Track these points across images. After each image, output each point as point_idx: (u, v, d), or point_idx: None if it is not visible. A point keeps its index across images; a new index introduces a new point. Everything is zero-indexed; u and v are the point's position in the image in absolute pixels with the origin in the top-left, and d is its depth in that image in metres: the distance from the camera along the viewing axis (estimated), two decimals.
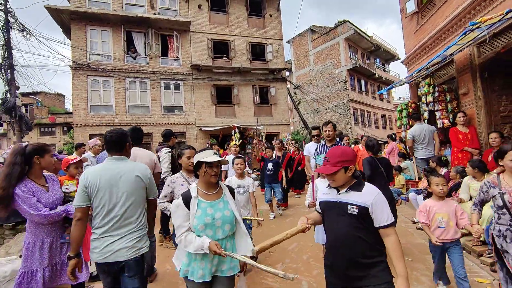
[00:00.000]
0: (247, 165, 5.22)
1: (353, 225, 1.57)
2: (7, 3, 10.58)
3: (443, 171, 5.00)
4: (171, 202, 2.54)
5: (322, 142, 4.44)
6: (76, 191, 2.86)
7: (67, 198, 2.54)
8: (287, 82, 15.87)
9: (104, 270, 2.04)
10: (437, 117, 5.69)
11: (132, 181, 2.04)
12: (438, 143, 5.75)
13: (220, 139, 13.44)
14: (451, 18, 5.33)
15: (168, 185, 2.61)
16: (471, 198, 4.00)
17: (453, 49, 4.79)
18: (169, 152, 4.27)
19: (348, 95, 22.31)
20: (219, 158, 1.84)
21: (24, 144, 2.29)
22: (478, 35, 4.10)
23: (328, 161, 1.66)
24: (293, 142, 9.82)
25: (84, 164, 3.75)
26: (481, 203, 2.47)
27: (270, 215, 5.78)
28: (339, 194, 1.66)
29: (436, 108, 5.66)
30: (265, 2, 15.18)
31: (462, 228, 2.60)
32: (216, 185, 1.92)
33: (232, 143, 6.39)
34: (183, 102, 13.36)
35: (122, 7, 12.63)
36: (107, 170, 2.03)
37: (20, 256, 3.07)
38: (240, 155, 4.61)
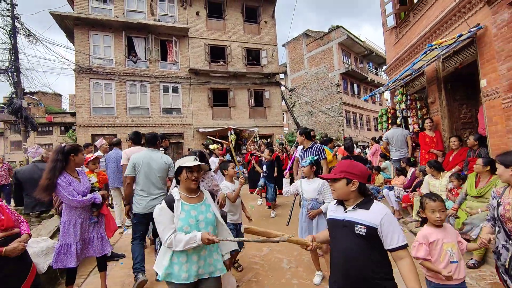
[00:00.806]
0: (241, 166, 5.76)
1: (361, 245, 1.49)
2: (14, 9, 11.13)
3: (411, 170, 5.72)
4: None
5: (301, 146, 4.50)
6: (96, 182, 3.54)
7: (92, 188, 3.18)
8: (281, 85, 16.53)
9: (143, 218, 3.26)
10: (409, 122, 6.41)
11: (160, 163, 3.30)
12: (411, 146, 6.46)
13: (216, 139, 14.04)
14: (421, 36, 6.06)
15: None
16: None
17: (420, 64, 5.50)
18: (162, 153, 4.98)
19: (341, 98, 23.08)
20: (199, 163, 1.93)
21: (63, 145, 2.92)
22: (437, 54, 4.81)
23: (334, 169, 1.67)
24: (276, 144, 10.37)
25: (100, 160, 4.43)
26: (493, 218, 2.19)
27: (271, 214, 6.17)
28: (346, 212, 1.60)
29: (408, 115, 6.38)
30: (261, 9, 15.87)
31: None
32: (197, 189, 1.99)
33: (216, 147, 6.48)
34: (181, 105, 13.99)
35: (124, 13, 13.22)
36: (146, 155, 3.32)
37: (51, 237, 3.70)
38: (229, 160, 4.96)
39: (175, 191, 1.93)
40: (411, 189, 5.29)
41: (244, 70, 15.10)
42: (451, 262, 1.94)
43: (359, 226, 1.50)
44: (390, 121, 7.52)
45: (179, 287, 1.79)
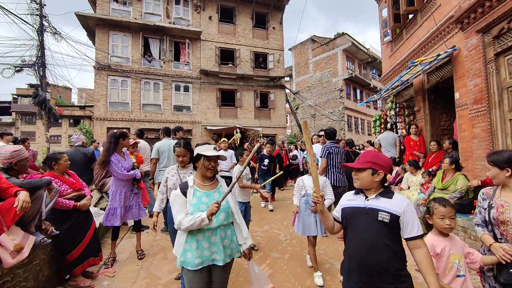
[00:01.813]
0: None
1: (382, 232, 1.51)
2: (43, 9, 12.08)
3: (396, 169, 6.52)
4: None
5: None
6: (135, 162, 4.40)
7: (133, 166, 4.03)
8: (286, 88, 17.35)
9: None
10: (398, 127, 7.22)
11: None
12: (399, 147, 7.25)
13: (222, 137, 14.91)
14: (411, 51, 6.87)
15: (168, 172, 2.95)
16: (409, 188, 5.48)
17: (407, 77, 6.32)
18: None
19: (343, 103, 23.83)
20: (218, 153, 1.96)
21: (114, 131, 3.78)
22: (420, 69, 5.63)
23: (359, 159, 1.69)
24: (278, 143, 11.17)
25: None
26: (485, 222, 2.01)
27: (269, 206, 6.46)
28: (368, 200, 1.62)
29: (397, 120, 7.19)
30: (269, 15, 16.73)
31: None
32: (212, 177, 2.01)
33: (221, 140, 7.20)
34: (191, 103, 14.87)
35: (141, 15, 14.14)
36: (165, 143, 4.70)
37: (94, 206, 4.57)
38: (244, 148, 5.92)
39: (190, 178, 1.97)
40: (394, 184, 6.10)
41: (252, 73, 15.95)
42: (458, 276, 1.77)
43: (383, 213, 1.52)
44: (382, 126, 8.32)
45: (193, 274, 1.81)
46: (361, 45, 26.35)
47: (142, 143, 5.54)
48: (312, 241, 3.23)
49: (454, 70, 5.40)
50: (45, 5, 12.12)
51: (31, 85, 40.44)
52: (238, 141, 13.49)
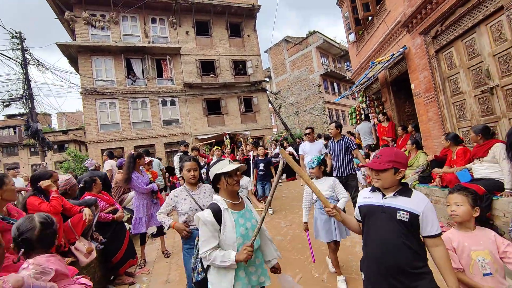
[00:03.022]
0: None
1: (401, 232, 1.48)
2: (23, 43, 12.42)
3: (372, 154, 7.46)
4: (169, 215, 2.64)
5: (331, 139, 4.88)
6: (151, 177, 5.06)
7: (150, 181, 4.73)
8: (267, 91, 18.23)
9: None
10: (370, 117, 8.20)
11: None
12: (375, 135, 8.24)
13: (213, 145, 15.58)
14: (372, 50, 7.86)
15: (171, 199, 2.56)
16: None
17: (372, 73, 7.29)
18: (179, 155, 6.68)
19: (323, 97, 24.99)
20: (237, 166, 1.76)
21: (131, 153, 4.47)
22: (381, 66, 6.59)
23: (379, 158, 1.61)
24: (268, 143, 12.00)
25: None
26: None
27: (269, 211, 6.26)
28: (386, 198, 1.59)
29: (369, 112, 8.17)
30: (243, 24, 17.58)
31: None
32: (237, 195, 1.86)
33: (214, 148, 7.36)
34: (179, 116, 15.48)
35: (121, 37, 14.64)
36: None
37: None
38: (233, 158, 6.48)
39: (219, 199, 1.76)
40: None
41: (233, 80, 16.73)
42: (485, 275, 1.61)
43: (402, 212, 1.49)
44: (358, 117, 9.32)
45: None
46: (333, 40, 27.65)
47: (112, 162, 6.35)
48: (333, 247, 3.00)
49: (408, 65, 6.39)
50: (25, 39, 12.46)
51: (8, 116, 39.62)
52: (229, 146, 14.22)
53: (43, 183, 2.68)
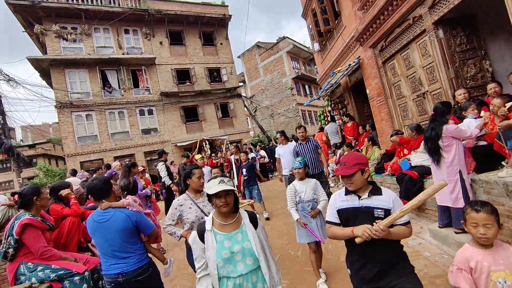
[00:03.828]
0: (220, 171, 6.13)
1: None
2: None
3: (338, 152, 8.45)
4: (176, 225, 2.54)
5: (298, 142, 5.27)
6: (144, 184, 5.61)
7: (143, 187, 5.28)
8: (242, 96, 19.00)
9: None
10: (336, 119, 9.22)
11: None
12: (340, 134, 9.26)
13: (193, 151, 16.04)
14: (334, 59, 8.88)
15: (176, 208, 2.49)
16: None
17: (335, 80, 8.28)
18: (163, 164, 7.00)
19: (295, 99, 26.19)
20: (226, 187, 1.64)
21: (126, 162, 4.99)
22: (341, 75, 7.57)
23: (345, 165, 1.74)
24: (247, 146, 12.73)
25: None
26: None
27: (264, 214, 6.10)
28: (362, 199, 1.75)
29: (334, 114, 9.18)
30: (215, 33, 18.26)
31: None
32: (234, 213, 1.75)
33: (199, 156, 7.68)
34: (157, 124, 15.79)
35: (94, 50, 14.73)
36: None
37: None
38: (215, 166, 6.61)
39: (209, 218, 1.75)
40: (339, 164, 8.02)
41: (209, 88, 17.31)
42: None
43: (378, 210, 1.68)
44: (326, 118, 10.33)
45: None
46: (302, 45, 29.08)
47: (74, 179, 6.46)
48: (314, 248, 3.09)
49: (363, 73, 7.42)
50: None
51: None
52: (208, 151, 14.77)
53: (64, 192, 3.21)
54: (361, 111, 8.59)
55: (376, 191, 1.77)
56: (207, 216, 2.16)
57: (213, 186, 1.66)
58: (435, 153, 3.43)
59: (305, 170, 3.19)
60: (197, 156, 8.31)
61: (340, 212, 1.83)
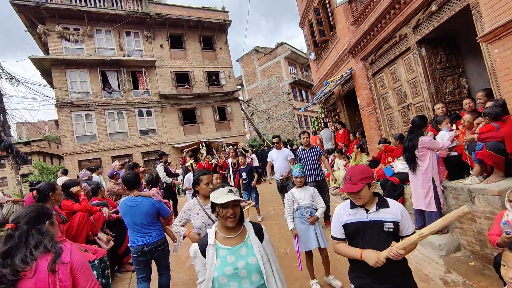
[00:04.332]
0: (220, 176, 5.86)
1: (389, 240, 1.61)
2: None
3: (330, 157, 8.83)
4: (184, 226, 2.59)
5: (301, 147, 5.24)
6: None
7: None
8: (240, 100, 19.37)
9: None
10: (328, 126, 9.62)
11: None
12: (334, 140, 9.65)
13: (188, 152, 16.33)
14: (328, 69, 9.30)
15: (184, 212, 2.60)
16: (338, 169, 7.73)
17: (329, 88, 8.68)
18: (162, 165, 7.27)
19: (292, 104, 26.64)
20: (235, 198, 1.54)
21: (129, 163, 5.31)
22: (334, 84, 7.97)
23: (351, 180, 1.69)
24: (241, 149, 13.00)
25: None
26: None
27: (258, 217, 6.19)
28: (369, 213, 1.71)
29: (327, 121, 9.59)
30: (215, 38, 18.65)
31: None
32: (238, 226, 1.63)
33: (188, 164, 7.27)
34: (155, 126, 16.07)
35: (95, 51, 15.01)
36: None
37: None
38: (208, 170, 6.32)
39: (212, 230, 1.65)
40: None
41: (207, 91, 17.67)
42: None
43: (388, 224, 1.65)
44: (320, 125, 10.73)
45: None
46: (300, 51, 29.60)
47: (63, 178, 6.58)
48: (311, 254, 3.15)
49: (354, 84, 7.83)
50: None
51: None
52: (205, 153, 15.08)
53: (74, 189, 3.53)
54: (352, 119, 8.99)
55: (383, 203, 1.74)
56: (214, 222, 2.15)
57: (220, 196, 1.56)
58: (412, 161, 3.82)
59: (303, 178, 3.25)
60: (188, 163, 7.70)
61: (346, 226, 1.78)
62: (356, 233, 1.75)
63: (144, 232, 2.88)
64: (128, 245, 3.01)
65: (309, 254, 3.15)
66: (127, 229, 4.61)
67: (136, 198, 2.93)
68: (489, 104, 3.45)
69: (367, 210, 1.73)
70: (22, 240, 1.43)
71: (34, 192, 3.04)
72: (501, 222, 2.47)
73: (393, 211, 1.70)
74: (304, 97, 29.53)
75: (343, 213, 1.82)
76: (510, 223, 2.39)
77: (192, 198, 2.82)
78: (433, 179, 3.68)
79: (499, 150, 3.01)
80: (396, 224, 1.67)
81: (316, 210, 3.18)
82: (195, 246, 1.63)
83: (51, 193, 3.02)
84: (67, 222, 3.37)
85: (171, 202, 6.56)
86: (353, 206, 1.78)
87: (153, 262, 3.02)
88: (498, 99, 3.45)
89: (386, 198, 1.78)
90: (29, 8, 13.31)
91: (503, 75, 3.05)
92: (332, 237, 1.87)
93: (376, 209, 1.71)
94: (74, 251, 1.54)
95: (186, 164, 7.77)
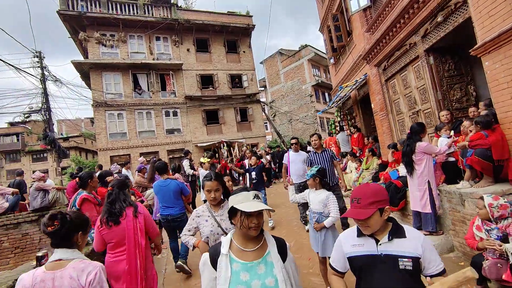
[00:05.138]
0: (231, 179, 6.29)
1: (406, 281, 1.27)
2: (42, 61, 13.94)
3: (344, 161, 9.01)
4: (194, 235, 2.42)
5: (313, 150, 5.01)
6: None
7: None
8: (261, 102, 19.86)
9: None
10: (344, 129, 9.80)
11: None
12: (351, 144, 9.82)
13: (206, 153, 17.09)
14: (345, 73, 9.49)
15: (193, 219, 2.37)
16: (351, 171, 7.93)
17: (344, 92, 8.90)
18: (188, 161, 7.91)
19: (314, 107, 26.67)
20: (262, 207, 1.30)
21: (154, 159, 5.97)
22: (349, 89, 8.19)
23: (359, 203, 1.34)
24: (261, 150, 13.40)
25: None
26: None
27: (269, 223, 5.93)
28: (380, 245, 1.35)
29: (343, 124, 9.77)
30: (239, 41, 19.32)
31: None
32: (258, 238, 1.37)
33: (205, 160, 6.91)
34: (180, 125, 17.01)
35: (128, 55, 16.23)
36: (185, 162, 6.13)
37: None
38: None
39: (226, 239, 1.39)
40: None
41: (230, 93, 18.36)
42: None
43: (404, 259, 1.28)
44: (337, 128, 10.90)
45: None
46: (323, 53, 29.44)
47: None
48: (321, 259, 3.00)
49: (369, 89, 8.00)
50: (44, 57, 13.98)
51: (11, 124, 40.79)
52: (226, 153, 15.74)
53: (109, 178, 4.19)
54: (368, 123, 9.12)
55: (397, 232, 1.37)
56: (226, 232, 1.96)
57: (245, 201, 1.31)
58: (409, 165, 4.06)
59: (315, 180, 3.04)
60: (204, 159, 7.59)
61: (351, 260, 1.43)
62: (365, 269, 1.39)
63: (170, 207, 4.10)
64: (158, 215, 4.37)
65: (320, 257, 3.02)
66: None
67: (166, 180, 4.18)
68: (483, 113, 3.62)
69: (377, 241, 1.38)
70: (117, 196, 2.57)
71: (77, 179, 3.71)
72: (473, 227, 2.74)
73: (411, 243, 1.33)
74: (327, 100, 29.32)
75: (348, 242, 1.47)
76: (480, 229, 2.66)
77: (204, 202, 2.63)
78: (429, 182, 3.90)
79: (486, 156, 3.21)
80: (415, 261, 1.29)
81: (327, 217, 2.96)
82: (205, 256, 1.39)
83: (89, 180, 3.67)
84: (101, 207, 4.02)
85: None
86: (360, 234, 1.43)
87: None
88: (492, 109, 3.61)
89: (402, 225, 1.41)
90: (73, 17, 14.75)
91: (493, 86, 3.24)
92: (330, 265, 1.56)
93: (389, 239, 1.35)
94: (143, 207, 2.76)
95: (201, 160, 7.86)
